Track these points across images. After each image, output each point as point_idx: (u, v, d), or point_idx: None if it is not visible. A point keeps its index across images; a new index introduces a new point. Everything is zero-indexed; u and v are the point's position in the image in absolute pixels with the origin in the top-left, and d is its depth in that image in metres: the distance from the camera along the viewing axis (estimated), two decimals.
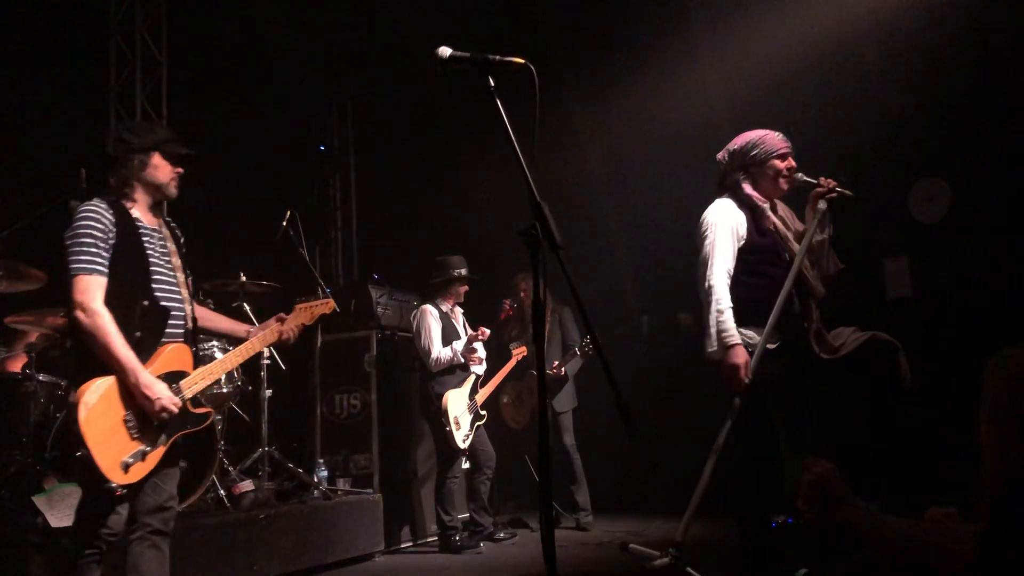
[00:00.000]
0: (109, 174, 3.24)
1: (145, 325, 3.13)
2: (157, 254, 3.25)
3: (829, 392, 3.96)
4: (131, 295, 3.12)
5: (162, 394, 3.05)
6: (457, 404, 6.07)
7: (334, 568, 5.43)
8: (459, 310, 6.46)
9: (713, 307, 3.70)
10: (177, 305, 3.26)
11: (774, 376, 3.65)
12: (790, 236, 3.88)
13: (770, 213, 3.87)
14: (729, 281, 3.75)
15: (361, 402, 6.52)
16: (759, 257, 3.81)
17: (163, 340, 3.19)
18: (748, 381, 3.61)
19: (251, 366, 5.82)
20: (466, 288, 6.39)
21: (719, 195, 3.94)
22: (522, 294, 6.98)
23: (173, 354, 3.20)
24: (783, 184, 3.89)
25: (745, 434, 3.71)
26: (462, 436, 6.03)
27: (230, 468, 5.54)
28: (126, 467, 2.98)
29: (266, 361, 5.86)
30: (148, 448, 3.06)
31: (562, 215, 2.30)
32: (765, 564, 3.67)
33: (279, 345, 3.67)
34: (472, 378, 6.27)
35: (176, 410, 3.10)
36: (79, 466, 2.95)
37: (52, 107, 5.93)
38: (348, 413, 6.56)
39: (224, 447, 5.47)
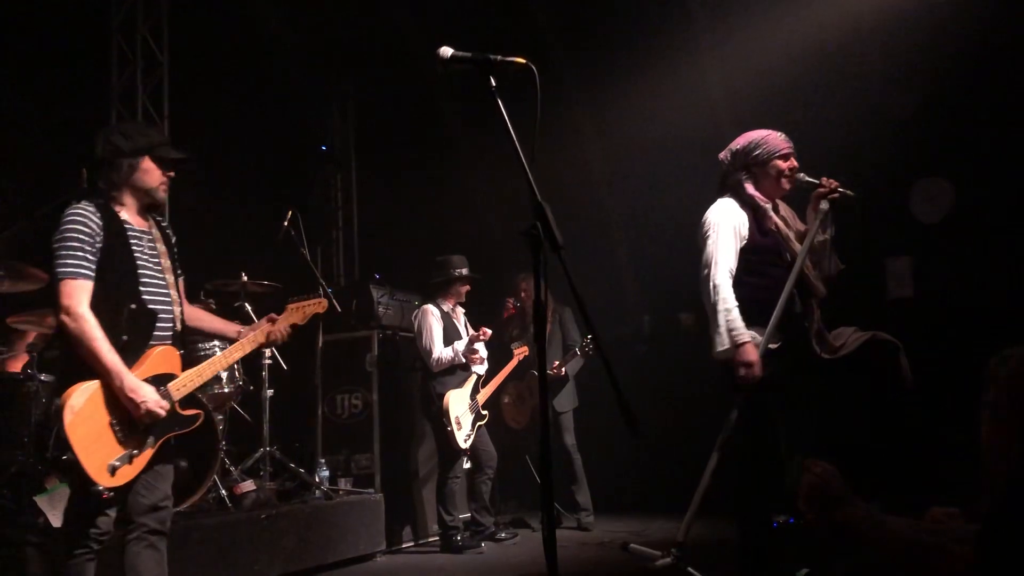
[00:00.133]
0: (98, 177, 3.23)
1: (132, 328, 3.12)
2: (146, 256, 3.24)
3: (830, 392, 3.96)
4: (118, 298, 3.12)
5: (148, 397, 3.05)
6: (458, 404, 6.07)
7: (335, 568, 5.43)
8: (461, 310, 6.46)
9: (720, 306, 3.69)
10: (165, 308, 3.25)
11: (775, 376, 3.65)
12: (792, 236, 3.88)
13: (772, 213, 3.87)
14: (731, 281, 3.75)
15: (362, 402, 6.53)
16: (761, 257, 3.81)
17: (151, 343, 3.18)
18: (761, 377, 3.60)
19: (253, 366, 5.84)
20: (468, 288, 6.39)
21: (721, 195, 3.94)
22: (523, 294, 6.99)
23: (161, 357, 3.19)
24: (785, 184, 3.89)
25: (746, 434, 3.71)
26: (463, 436, 6.03)
27: (232, 468, 5.54)
28: (113, 470, 2.98)
29: (268, 361, 5.86)
30: (135, 451, 3.06)
31: (563, 215, 2.30)
32: (765, 564, 3.67)
33: (268, 346, 3.65)
34: (473, 378, 6.27)
35: (163, 414, 3.10)
36: (66, 469, 2.96)
37: (53, 107, 5.93)
38: (349, 413, 6.56)
39: (225, 447, 5.47)
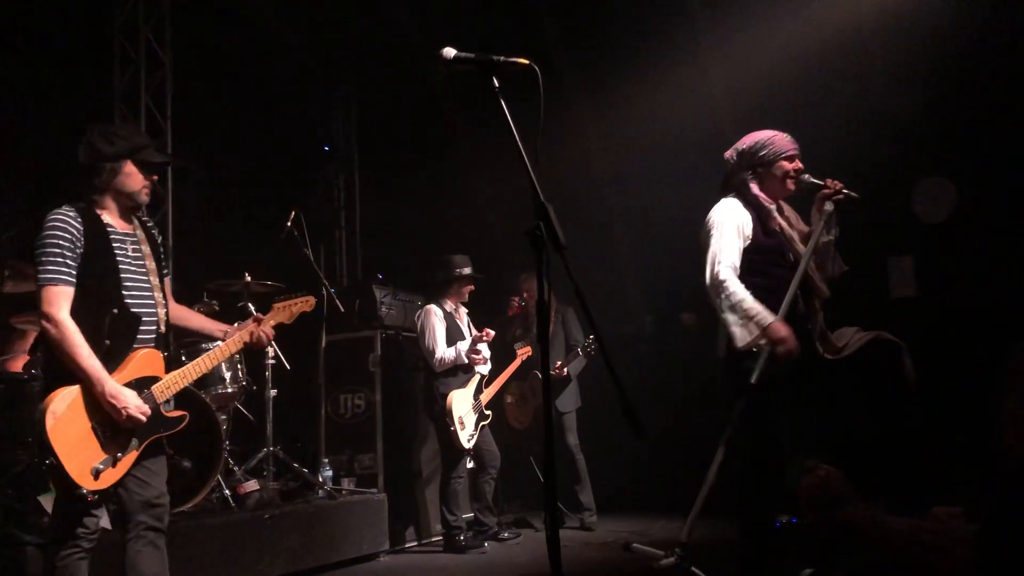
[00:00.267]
0: (80, 180, 3.22)
1: (115, 333, 3.13)
2: (129, 259, 3.23)
3: (832, 392, 3.96)
4: (101, 303, 3.11)
5: (129, 403, 3.05)
6: (461, 404, 6.08)
7: (339, 568, 5.44)
8: (463, 310, 6.46)
9: (732, 299, 3.67)
10: (149, 311, 3.25)
11: (778, 377, 3.65)
12: (795, 237, 3.88)
13: (776, 214, 3.87)
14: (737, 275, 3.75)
15: (365, 402, 6.53)
16: (763, 257, 3.81)
17: (134, 346, 3.18)
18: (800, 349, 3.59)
19: (256, 366, 5.84)
20: (471, 288, 6.39)
21: (724, 194, 3.94)
22: (525, 294, 6.99)
23: (143, 360, 3.19)
24: (790, 185, 3.89)
25: (748, 434, 3.71)
26: (466, 436, 6.03)
27: (235, 468, 5.55)
28: (96, 473, 3.00)
29: (271, 361, 5.87)
30: (119, 454, 3.07)
31: (566, 215, 2.30)
32: (767, 564, 3.67)
33: (252, 347, 3.61)
34: (476, 378, 6.27)
35: (143, 419, 3.10)
36: (51, 472, 2.97)
37: (56, 107, 5.94)
38: (352, 413, 6.57)
39: (229, 447, 5.48)
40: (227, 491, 5.23)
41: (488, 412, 6.29)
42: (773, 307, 3.67)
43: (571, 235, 2.27)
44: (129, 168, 3.23)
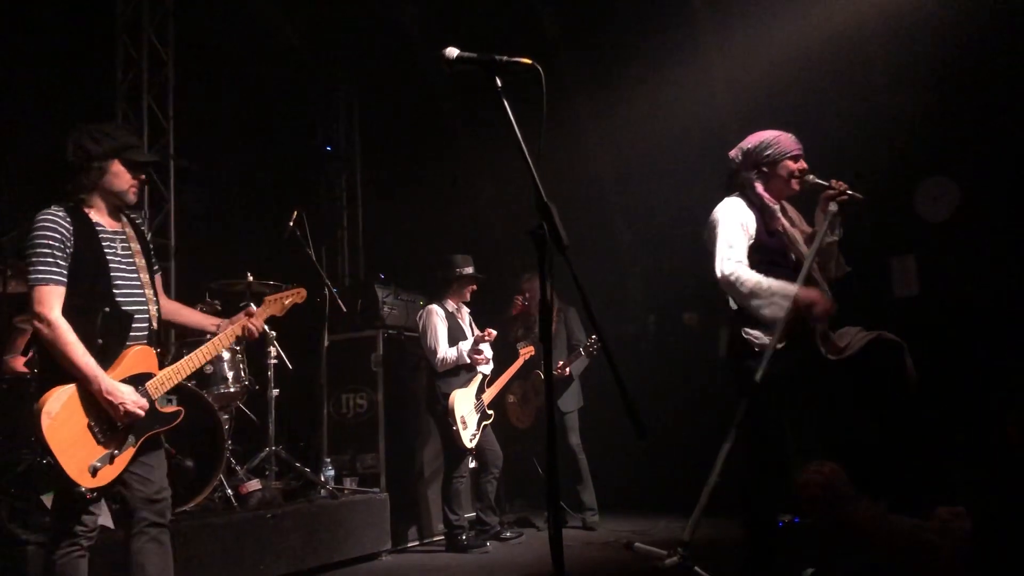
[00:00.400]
0: (68, 180, 3.22)
1: (107, 331, 3.14)
2: (119, 257, 3.24)
3: (835, 392, 3.95)
4: (92, 302, 3.13)
5: (126, 398, 3.07)
6: (464, 403, 6.08)
7: (341, 567, 5.44)
8: (466, 310, 6.46)
9: (750, 284, 3.62)
10: (140, 308, 3.26)
11: (780, 377, 3.64)
12: (799, 238, 3.87)
13: (780, 215, 3.87)
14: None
15: (368, 401, 6.54)
16: (766, 257, 3.80)
17: (127, 344, 3.19)
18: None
19: (258, 366, 5.85)
20: (473, 288, 6.40)
21: (728, 194, 3.93)
22: (527, 294, 6.98)
23: (137, 357, 3.21)
24: (795, 185, 3.88)
25: (751, 434, 3.71)
26: (469, 435, 6.04)
27: (237, 467, 5.56)
28: (94, 471, 3.01)
29: (273, 361, 5.87)
30: (116, 451, 3.09)
31: (568, 214, 2.30)
32: (770, 564, 3.67)
33: (244, 340, 3.62)
34: (479, 377, 6.27)
35: (142, 414, 3.12)
36: (49, 471, 2.99)
37: (58, 107, 5.95)
38: (355, 412, 6.58)
39: (231, 446, 5.49)
40: (229, 490, 5.24)
41: (490, 412, 6.29)
42: None
43: (573, 235, 2.27)
44: (117, 167, 3.24)
